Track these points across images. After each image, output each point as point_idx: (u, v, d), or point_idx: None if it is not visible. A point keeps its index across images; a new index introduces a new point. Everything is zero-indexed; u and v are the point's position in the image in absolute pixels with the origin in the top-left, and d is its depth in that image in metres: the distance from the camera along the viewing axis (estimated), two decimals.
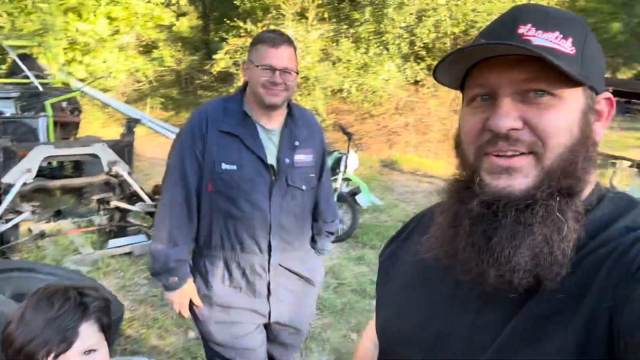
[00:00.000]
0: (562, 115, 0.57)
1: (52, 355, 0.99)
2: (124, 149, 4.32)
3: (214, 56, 9.94)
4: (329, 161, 4.83)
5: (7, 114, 5.26)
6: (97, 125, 10.19)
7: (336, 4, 9.92)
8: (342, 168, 4.70)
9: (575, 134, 0.58)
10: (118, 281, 3.61)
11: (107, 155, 4.11)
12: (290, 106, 1.76)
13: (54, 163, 5.25)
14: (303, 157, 1.76)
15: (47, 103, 5.43)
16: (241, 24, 9.18)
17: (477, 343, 0.59)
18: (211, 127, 1.67)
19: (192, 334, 2.92)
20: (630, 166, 7.59)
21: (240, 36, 9.22)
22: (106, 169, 4.12)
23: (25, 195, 4.00)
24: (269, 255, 1.72)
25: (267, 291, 1.75)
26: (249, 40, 1.78)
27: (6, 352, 1.03)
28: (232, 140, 1.67)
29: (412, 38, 9.23)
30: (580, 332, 0.51)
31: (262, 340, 1.84)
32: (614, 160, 7.71)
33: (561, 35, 0.57)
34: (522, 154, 0.57)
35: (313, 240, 1.92)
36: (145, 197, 4.15)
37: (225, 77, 10.38)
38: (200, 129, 1.67)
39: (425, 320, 0.66)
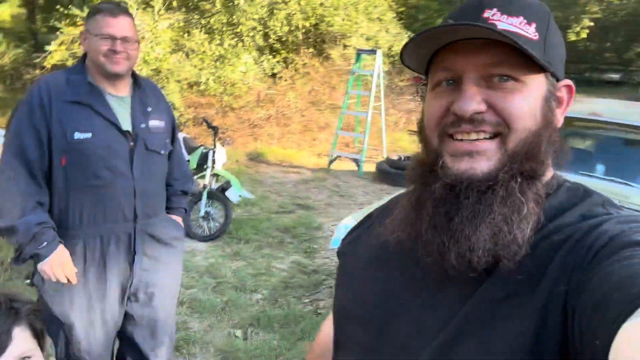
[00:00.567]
0: (526, 100, 0.58)
1: None
2: None
3: (47, 47, 8.77)
4: (195, 157, 4.64)
5: None
6: None
7: None
8: (209, 163, 4.52)
9: (539, 120, 0.58)
10: None
11: None
12: (135, 75, 1.79)
13: None
14: (157, 123, 1.81)
15: None
16: (77, 11, 8.23)
17: (427, 323, 0.59)
18: (55, 99, 1.62)
19: None
20: None
21: (76, 25, 8.26)
22: None
23: None
24: (135, 222, 1.73)
25: (132, 259, 1.75)
26: None
27: None
28: (83, 109, 1.64)
29: (266, 31, 9.26)
30: (536, 314, 0.51)
31: (120, 314, 1.82)
32: None
33: (525, 21, 0.57)
34: (486, 137, 0.58)
35: (169, 201, 1.97)
36: None
37: None
38: (42, 104, 1.61)
39: (379, 301, 0.65)
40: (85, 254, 1.69)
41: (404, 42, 0.59)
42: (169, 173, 1.94)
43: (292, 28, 9.47)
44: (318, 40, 10.31)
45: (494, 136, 0.58)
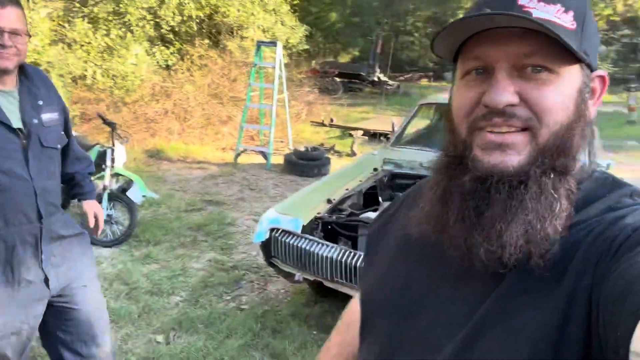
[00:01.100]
0: (560, 92, 0.56)
1: None
2: None
3: None
4: (91, 155, 4.26)
5: None
6: None
7: None
8: (108, 163, 4.18)
9: (572, 112, 0.56)
10: None
11: None
12: (22, 65, 1.66)
13: None
14: (50, 116, 1.69)
15: None
16: None
17: (449, 317, 0.59)
18: None
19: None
20: (363, 135, 9.10)
21: None
22: None
23: None
24: (40, 222, 1.66)
25: (40, 261, 1.68)
26: None
27: None
28: None
29: (157, 20, 8.75)
30: (560, 308, 0.51)
31: (35, 317, 1.72)
32: (351, 132, 9.11)
33: (562, 9, 0.55)
34: (516, 130, 0.56)
35: (79, 187, 1.92)
36: None
37: None
38: None
39: (403, 290, 0.65)
40: None
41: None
42: (72, 159, 1.87)
43: (185, 18, 9.07)
44: (213, 31, 10.01)
45: (523, 129, 0.56)
